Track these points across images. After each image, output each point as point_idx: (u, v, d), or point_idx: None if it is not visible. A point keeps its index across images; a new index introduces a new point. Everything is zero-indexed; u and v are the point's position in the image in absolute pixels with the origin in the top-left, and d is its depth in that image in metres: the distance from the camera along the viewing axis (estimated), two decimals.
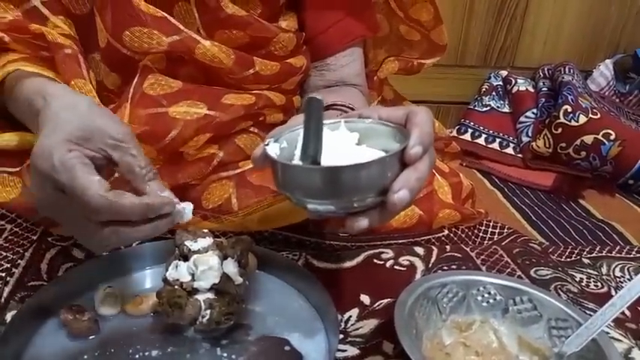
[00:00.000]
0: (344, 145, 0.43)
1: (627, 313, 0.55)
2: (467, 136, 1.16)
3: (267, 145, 0.43)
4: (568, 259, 0.71)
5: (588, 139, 1.01)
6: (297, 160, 0.41)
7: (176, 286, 0.47)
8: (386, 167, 0.39)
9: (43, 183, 0.40)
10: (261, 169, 0.44)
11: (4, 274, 0.52)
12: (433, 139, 0.42)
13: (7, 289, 0.51)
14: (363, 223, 0.40)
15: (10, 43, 0.52)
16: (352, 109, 0.62)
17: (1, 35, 0.51)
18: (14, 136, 0.54)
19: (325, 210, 0.41)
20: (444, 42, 0.79)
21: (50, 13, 0.54)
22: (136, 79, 0.57)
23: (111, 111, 0.53)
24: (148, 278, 0.55)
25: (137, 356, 0.45)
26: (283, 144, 0.44)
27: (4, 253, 0.55)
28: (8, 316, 0.48)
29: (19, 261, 0.54)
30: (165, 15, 0.56)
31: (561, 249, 0.74)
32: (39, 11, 0.54)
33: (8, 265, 0.53)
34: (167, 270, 0.48)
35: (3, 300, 0.49)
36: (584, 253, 0.73)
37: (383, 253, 0.61)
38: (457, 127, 1.19)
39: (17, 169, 0.55)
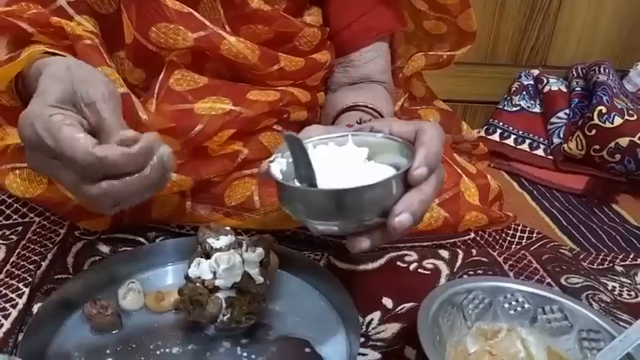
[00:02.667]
0: (352, 162, 0.42)
1: None
2: (495, 137, 1.13)
3: (272, 161, 0.42)
4: (600, 267, 0.69)
5: (623, 141, 0.97)
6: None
7: (198, 284, 0.47)
8: (389, 189, 0.38)
9: (33, 152, 0.39)
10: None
11: (32, 267, 0.53)
12: (441, 158, 0.40)
13: (34, 281, 0.51)
14: (364, 243, 0.39)
15: (34, 35, 0.52)
16: (374, 109, 0.61)
17: (25, 27, 0.51)
18: None
19: (327, 229, 0.41)
20: (472, 28, 0.76)
21: (75, 13, 0.55)
22: (162, 75, 0.58)
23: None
24: (170, 274, 0.55)
25: (158, 352, 0.46)
26: (289, 159, 0.43)
27: (33, 246, 0.56)
28: (35, 308, 0.49)
29: (46, 254, 0.55)
30: (191, 11, 0.56)
31: (593, 256, 0.71)
32: (64, 11, 0.55)
33: (37, 258, 0.54)
34: (189, 267, 0.48)
35: (30, 292, 0.50)
36: (617, 260, 0.70)
37: (407, 255, 0.60)
38: (485, 127, 1.16)
39: None
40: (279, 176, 0.41)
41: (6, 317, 0.47)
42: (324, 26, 0.67)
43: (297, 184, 0.41)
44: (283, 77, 0.63)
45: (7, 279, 0.52)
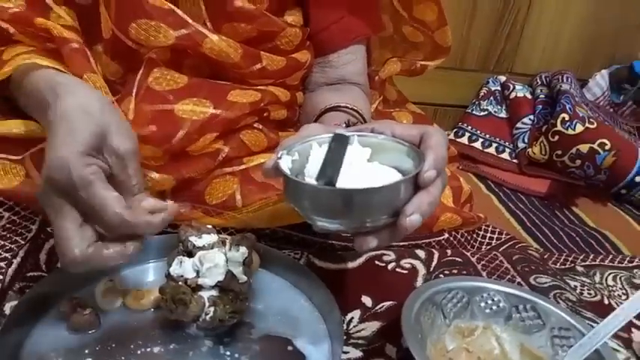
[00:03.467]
0: (356, 161, 0.43)
1: None
2: (464, 140, 1.17)
3: (280, 158, 0.42)
4: (563, 267, 0.72)
5: (584, 147, 1.02)
6: (308, 176, 0.41)
7: (180, 282, 0.46)
8: (400, 190, 0.39)
9: (52, 191, 0.40)
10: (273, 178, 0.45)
11: (3, 264, 0.51)
12: (446, 162, 0.42)
13: (5, 280, 0.49)
14: (372, 243, 0.40)
15: (15, 35, 0.50)
16: (356, 111, 0.62)
17: (6, 27, 0.50)
18: (20, 124, 0.52)
19: (334, 228, 0.41)
20: (447, 44, 0.79)
21: (53, 3, 0.53)
22: (140, 72, 0.57)
23: (117, 104, 0.52)
24: (149, 272, 0.54)
25: (139, 352, 0.45)
26: (295, 156, 0.44)
27: (3, 242, 0.53)
28: (7, 307, 0.47)
29: (17, 251, 0.53)
30: (172, 7, 0.55)
31: (556, 256, 0.75)
32: (42, 1, 0.53)
33: (7, 255, 0.52)
34: (170, 265, 0.47)
35: (1, 291, 0.48)
36: (578, 261, 0.74)
37: (385, 255, 0.61)
38: (455, 131, 1.19)
39: (20, 157, 0.54)
40: (288, 172, 0.41)
41: None
42: (304, 26, 0.67)
43: (308, 181, 0.41)
44: (264, 76, 0.63)
45: None
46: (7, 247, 0.53)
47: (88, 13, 0.56)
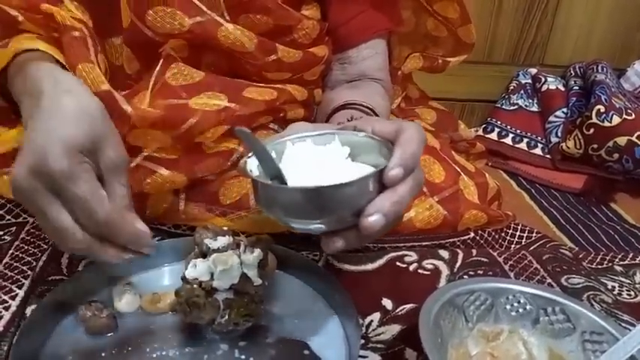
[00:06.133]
0: (332, 161, 0.41)
1: None
2: (493, 136, 1.13)
3: (250, 157, 0.42)
4: (599, 267, 0.68)
5: (621, 140, 0.97)
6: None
7: (195, 285, 0.46)
8: (362, 189, 0.37)
9: (39, 182, 0.39)
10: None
11: (26, 268, 0.52)
12: (419, 160, 0.40)
13: (27, 283, 0.50)
14: (338, 244, 0.39)
15: (23, 23, 0.51)
16: (367, 107, 0.61)
17: (15, 14, 0.50)
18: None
19: (304, 228, 0.40)
20: (471, 40, 0.77)
21: None
22: (158, 67, 0.57)
23: (125, 97, 0.52)
24: (166, 275, 0.54)
25: (154, 355, 0.45)
26: (272, 154, 0.42)
27: (26, 247, 0.55)
28: (28, 311, 0.48)
29: (40, 255, 0.54)
30: None
31: (592, 255, 0.71)
32: None
33: (30, 259, 0.53)
34: (186, 268, 0.47)
35: (24, 294, 0.49)
36: (617, 260, 0.70)
37: (406, 255, 0.59)
38: (483, 126, 1.16)
39: None
40: (254, 173, 0.41)
41: None
42: (323, 21, 0.66)
43: (269, 181, 0.40)
44: (281, 69, 0.63)
45: (0, 280, 0.51)
46: (31, 252, 0.55)
47: (105, 4, 0.57)
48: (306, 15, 0.64)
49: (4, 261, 0.53)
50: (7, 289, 0.50)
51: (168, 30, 0.55)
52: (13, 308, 0.47)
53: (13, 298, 0.48)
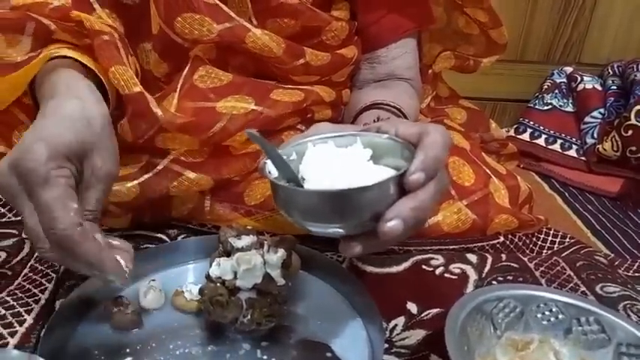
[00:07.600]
0: (353, 163, 0.40)
1: None
2: (525, 136, 1.10)
3: (266, 161, 0.41)
4: (637, 274, 0.65)
5: None
6: (302, 176, 0.40)
7: (218, 284, 0.46)
8: (380, 192, 0.36)
9: (16, 172, 0.38)
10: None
11: (56, 263, 0.53)
12: (443, 164, 0.38)
13: (56, 278, 0.51)
14: (356, 249, 0.38)
15: (56, 32, 0.51)
16: (395, 107, 0.59)
17: (48, 23, 0.51)
18: None
19: (323, 232, 0.39)
20: (503, 41, 0.75)
21: (98, 5, 0.55)
22: (186, 70, 0.58)
23: (155, 100, 0.52)
24: (191, 273, 0.54)
25: (178, 352, 0.45)
26: (293, 156, 0.42)
27: None
28: (57, 304, 0.49)
29: None
30: (218, 2, 0.56)
31: (629, 262, 0.68)
32: (88, 2, 0.54)
33: None
34: (210, 266, 0.47)
35: (53, 287, 0.50)
36: None
37: (432, 259, 0.58)
38: (515, 127, 1.12)
39: None
40: (273, 174, 0.40)
41: (29, 312, 0.47)
42: (352, 21, 0.66)
43: (282, 183, 0.39)
44: (308, 72, 0.62)
45: (31, 274, 0.52)
46: None
47: (135, 12, 0.57)
48: (336, 16, 0.63)
49: (36, 254, 0.54)
50: (38, 282, 0.51)
51: (196, 36, 0.55)
52: (42, 302, 0.48)
53: (42, 292, 0.49)
